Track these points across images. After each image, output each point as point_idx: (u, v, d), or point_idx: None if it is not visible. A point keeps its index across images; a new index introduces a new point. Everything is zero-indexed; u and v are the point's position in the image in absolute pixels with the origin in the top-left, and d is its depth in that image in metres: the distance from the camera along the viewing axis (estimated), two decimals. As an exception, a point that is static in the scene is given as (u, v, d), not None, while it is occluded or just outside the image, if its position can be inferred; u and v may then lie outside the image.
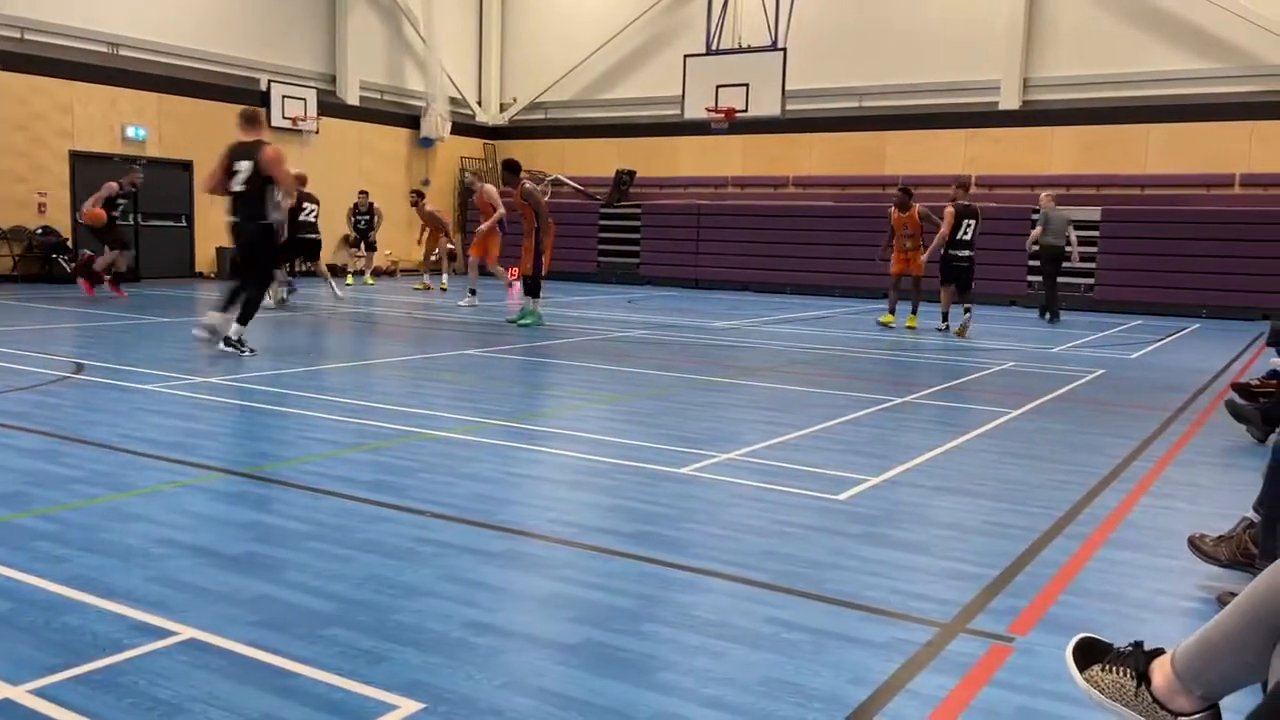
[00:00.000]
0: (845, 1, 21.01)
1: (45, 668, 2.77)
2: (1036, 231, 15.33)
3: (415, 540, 3.99)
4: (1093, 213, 18.20)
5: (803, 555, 3.95)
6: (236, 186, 8.85)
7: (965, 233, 12.87)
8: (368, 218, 19.43)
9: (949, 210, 12.84)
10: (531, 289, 12.59)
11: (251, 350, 9.08)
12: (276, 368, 8.62)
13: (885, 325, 13.93)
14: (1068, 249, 15.09)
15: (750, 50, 18.30)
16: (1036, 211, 15.85)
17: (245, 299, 9.09)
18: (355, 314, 13.92)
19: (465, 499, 4.63)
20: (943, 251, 12.97)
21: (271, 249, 9.45)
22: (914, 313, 13.86)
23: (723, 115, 17.91)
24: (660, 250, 22.30)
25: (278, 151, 9.04)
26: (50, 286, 16.66)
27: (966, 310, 12.81)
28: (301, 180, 14.76)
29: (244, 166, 8.80)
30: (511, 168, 12.62)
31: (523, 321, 12.51)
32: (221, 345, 9.00)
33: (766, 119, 17.84)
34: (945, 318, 13.30)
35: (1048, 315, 15.57)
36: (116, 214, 14.64)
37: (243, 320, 9.07)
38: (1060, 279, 15.74)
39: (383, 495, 4.64)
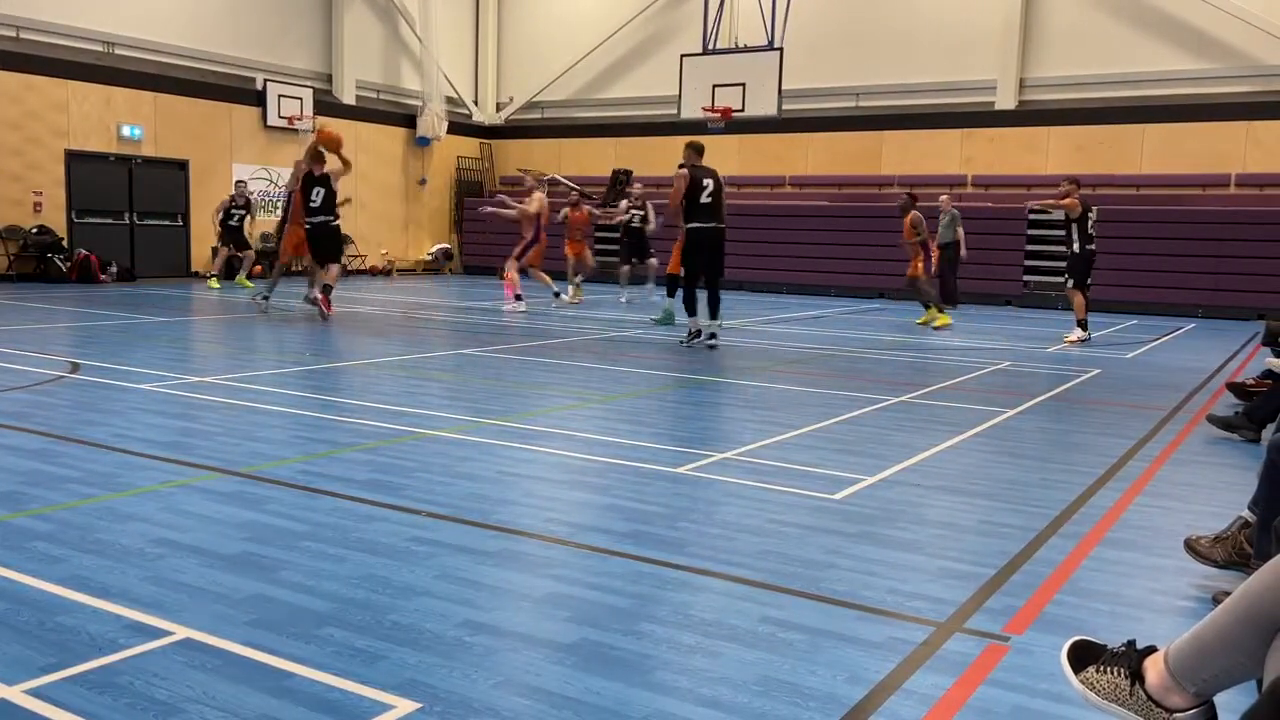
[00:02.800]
0: (842, 1, 21.03)
1: (40, 668, 2.77)
2: (960, 231, 16.09)
3: (411, 540, 3.99)
4: (1089, 213, 18.23)
5: (799, 555, 3.95)
6: (705, 198, 10.65)
7: (1091, 226, 12.17)
8: (243, 213, 17.55)
9: (1075, 201, 12.03)
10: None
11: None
12: (273, 367, 8.62)
13: (943, 326, 13.74)
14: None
15: (747, 50, 18.27)
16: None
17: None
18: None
19: (461, 498, 4.63)
20: (1077, 249, 12.13)
21: None
22: (927, 309, 14.22)
23: (719, 115, 17.90)
24: (656, 250, 22.24)
25: None
26: (45, 286, 16.64)
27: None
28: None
29: (710, 183, 10.69)
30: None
31: (664, 319, 13.65)
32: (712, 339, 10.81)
33: (763, 119, 17.82)
34: (1086, 325, 12.41)
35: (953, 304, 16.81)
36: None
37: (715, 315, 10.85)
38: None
39: (378, 495, 4.64)
